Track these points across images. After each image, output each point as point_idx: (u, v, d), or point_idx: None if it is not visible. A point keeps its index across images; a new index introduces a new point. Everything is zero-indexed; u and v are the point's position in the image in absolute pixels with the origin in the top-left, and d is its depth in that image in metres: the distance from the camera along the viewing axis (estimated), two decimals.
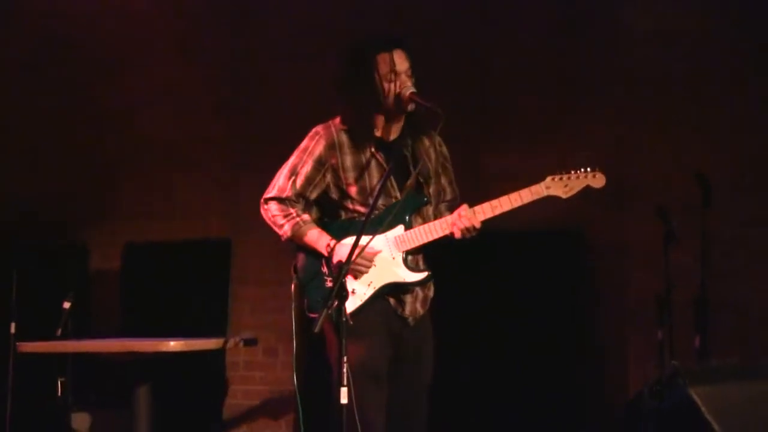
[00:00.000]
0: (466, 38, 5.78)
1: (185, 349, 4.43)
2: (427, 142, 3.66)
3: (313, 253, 3.57)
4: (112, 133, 6.44)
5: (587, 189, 3.56)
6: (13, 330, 5.08)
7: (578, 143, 5.43)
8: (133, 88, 6.41)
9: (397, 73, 3.52)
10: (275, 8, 6.18)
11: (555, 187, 3.54)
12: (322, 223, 3.62)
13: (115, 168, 6.41)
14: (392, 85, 3.51)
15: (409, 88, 3.51)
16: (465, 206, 3.55)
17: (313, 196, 3.62)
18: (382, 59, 3.52)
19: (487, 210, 3.52)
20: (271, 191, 3.65)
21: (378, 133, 3.60)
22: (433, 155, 3.65)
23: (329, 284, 3.49)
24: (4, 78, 6.63)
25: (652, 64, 5.50)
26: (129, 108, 6.42)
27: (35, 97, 6.58)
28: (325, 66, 5.23)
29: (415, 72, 3.57)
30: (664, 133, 5.45)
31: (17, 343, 4.76)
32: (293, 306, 3.56)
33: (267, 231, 3.70)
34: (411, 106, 3.53)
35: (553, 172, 3.58)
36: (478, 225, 3.51)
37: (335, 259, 3.44)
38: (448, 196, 3.75)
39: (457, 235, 3.52)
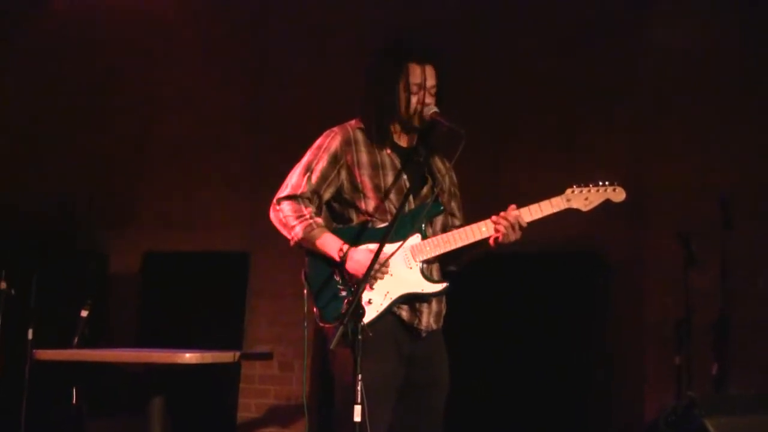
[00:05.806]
0: (483, 49, 5.77)
1: (200, 361, 4.41)
2: (439, 162, 3.64)
3: (324, 258, 3.46)
4: (133, 141, 6.47)
5: (607, 203, 3.48)
6: (30, 336, 5.09)
7: (596, 160, 5.41)
8: (154, 95, 6.44)
9: (422, 87, 3.49)
10: (294, 10, 6.18)
11: (575, 199, 3.46)
12: (333, 229, 3.52)
13: (136, 176, 6.43)
14: (414, 97, 3.48)
15: (431, 108, 3.47)
16: (513, 206, 3.46)
17: (327, 195, 3.54)
18: (413, 69, 3.49)
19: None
20: (284, 190, 3.55)
21: (394, 138, 3.57)
22: (446, 175, 3.62)
23: (342, 293, 3.42)
24: (26, 86, 6.67)
25: (675, 83, 5.48)
26: (150, 115, 6.45)
27: (55, 103, 6.61)
28: (345, 69, 5.23)
29: (442, 90, 3.52)
30: (685, 153, 5.42)
31: (34, 351, 4.75)
32: (305, 314, 3.45)
33: (285, 244, 3.58)
34: (417, 122, 3.49)
35: (572, 185, 3.50)
36: (524, 223, 3.41)
37: (349, 265, 3.38)
38: (458, 222, 3.68)
39: (500, 237, 3.40)
